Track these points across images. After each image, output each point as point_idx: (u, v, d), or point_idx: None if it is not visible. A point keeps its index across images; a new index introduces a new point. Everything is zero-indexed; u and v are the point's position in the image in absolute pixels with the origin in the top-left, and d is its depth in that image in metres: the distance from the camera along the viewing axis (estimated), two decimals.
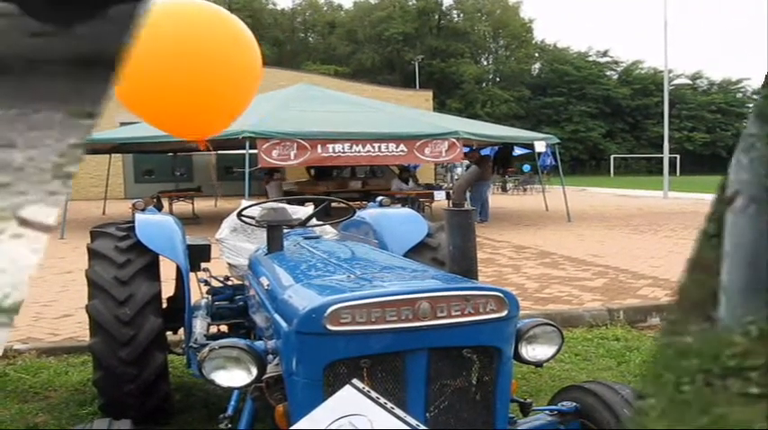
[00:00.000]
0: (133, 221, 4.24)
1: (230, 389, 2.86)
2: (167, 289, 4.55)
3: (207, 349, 2.54)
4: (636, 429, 0.95)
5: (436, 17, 71.15)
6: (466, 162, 20.82)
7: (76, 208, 19.90)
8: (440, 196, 18.48)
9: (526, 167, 35.23)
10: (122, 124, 18.86)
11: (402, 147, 14.81)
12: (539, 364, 2.88)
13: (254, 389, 2.65)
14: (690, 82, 52.57)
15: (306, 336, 2.39)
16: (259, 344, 2.69)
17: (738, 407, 0.86)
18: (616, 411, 2.75)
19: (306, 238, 4.22)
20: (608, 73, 70.48)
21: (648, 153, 60.67)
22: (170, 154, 21.23)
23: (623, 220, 17.51)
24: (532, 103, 66.42)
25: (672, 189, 28.21)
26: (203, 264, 4.82)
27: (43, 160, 2.41)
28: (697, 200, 24.10)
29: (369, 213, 4.64)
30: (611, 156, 60.17)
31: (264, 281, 3.25)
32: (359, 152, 14.52)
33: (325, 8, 75.75)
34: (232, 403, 3.15)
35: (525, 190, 31.71)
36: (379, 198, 5.02)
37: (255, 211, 4.28)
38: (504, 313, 2.53)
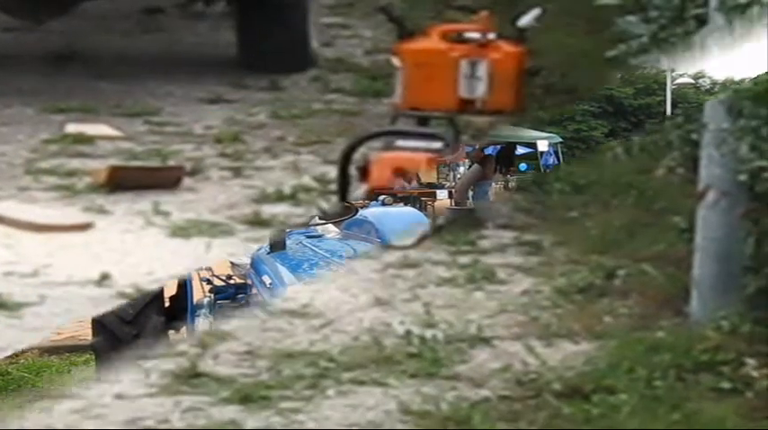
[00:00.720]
0: None
1: None
2: (170, 288, 4.56)
3: None
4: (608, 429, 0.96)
5: None
6: (468, 161, 20.74)
7: None
8: (442, 195, 18.40)
9: (522, 167, 34.86)
10: None
11: None
12: None
13: None
14: (692, 81, 52.28)
15: None
16: None
17: (711, 402, 0.87)
18: None
19: (308, 237, 4.23)
20: None
21: None
22: None
23: None
24: None
25: None
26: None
27: (15, 155, 2.43)
28: None
29: (371, 212, 4.65)
30: None
31: (267, 279, 3.27)
32: None
33: None
34: None
35: None
36: (382, 197, 5.02)
37: None
38: None
